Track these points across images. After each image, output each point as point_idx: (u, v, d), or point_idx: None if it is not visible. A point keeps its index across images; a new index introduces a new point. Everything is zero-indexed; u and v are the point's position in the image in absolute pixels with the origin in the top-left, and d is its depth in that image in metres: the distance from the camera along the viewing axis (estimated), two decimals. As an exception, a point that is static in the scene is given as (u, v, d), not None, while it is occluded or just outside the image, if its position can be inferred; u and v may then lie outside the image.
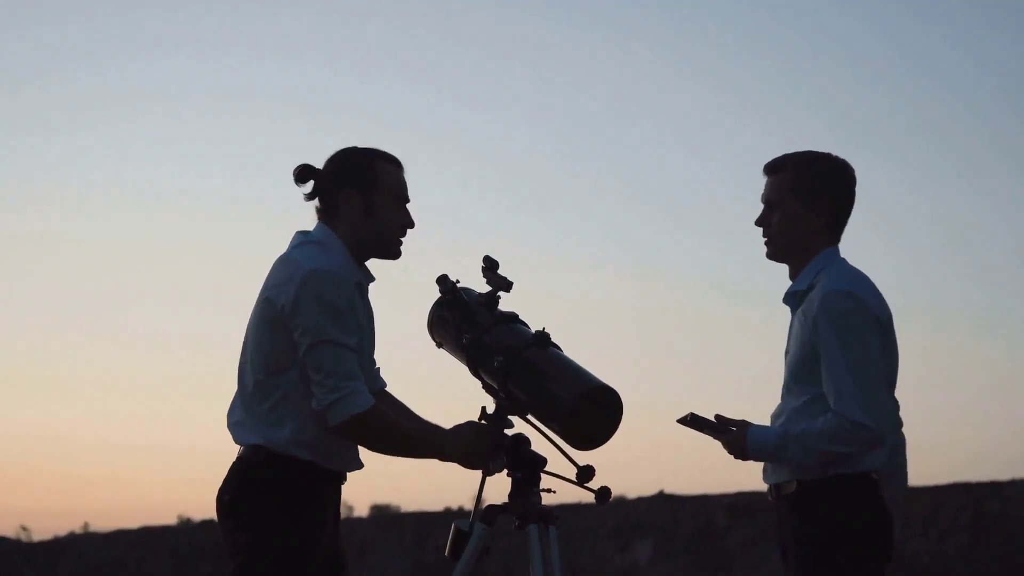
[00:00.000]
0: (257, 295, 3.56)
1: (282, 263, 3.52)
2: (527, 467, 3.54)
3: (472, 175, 19.61)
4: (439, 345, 3.74)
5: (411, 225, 3.62)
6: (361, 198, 3.55)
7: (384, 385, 3.75)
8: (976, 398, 17.82)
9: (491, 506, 3.55)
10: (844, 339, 3.31)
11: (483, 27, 19.51)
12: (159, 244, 20.37)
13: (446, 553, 3.56)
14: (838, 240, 3.52)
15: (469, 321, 3.61)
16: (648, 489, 14.35)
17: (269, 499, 3.46)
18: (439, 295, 3.68)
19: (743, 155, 19.29)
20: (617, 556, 13.71)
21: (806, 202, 3.45)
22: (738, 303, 19.80)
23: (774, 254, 3.53)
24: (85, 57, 19.59)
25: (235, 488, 3.50)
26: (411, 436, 3.55)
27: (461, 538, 3.54)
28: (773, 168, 3.52)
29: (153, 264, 20.43)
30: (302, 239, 3.58)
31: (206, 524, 13.99)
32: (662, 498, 14.15)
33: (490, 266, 3.63)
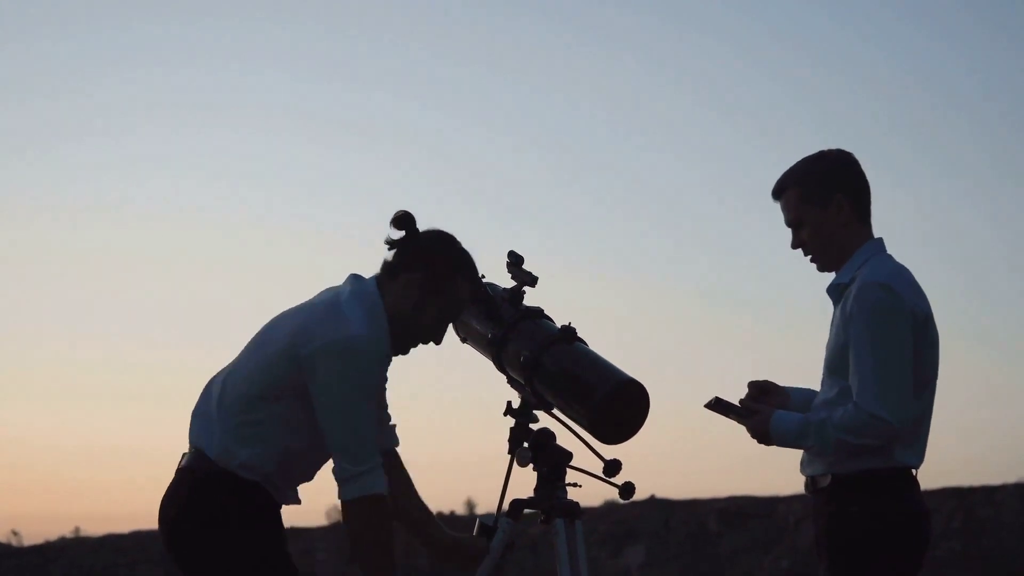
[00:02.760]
0: (280, 314, 3.44)
1: (327, 310, 3.33)
2: (553, 462, 3.53)
3: (493, 180, 19.57)
4: (464, 340, 3.73)
5: (438, 343, 3.50)
6: (419, 292, 3.42)
7: (397, 444, 3.64)
8: (968, 403, 17.86)
9: (516, 501, 3.55)
10: (873, 331, 3.31)
11: (489, 42, 19.53)
12: (152, 251, 20.25)
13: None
14: (868, 224, 3.52)
15: (494, 316, 3.60)
16: (639, 493, 14.30)
17: (227, 515, 3.31)
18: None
19: (741, 163, 19.33)
20: (609, 562, 13.71)
21: (822, 205, 3.47)
22: (730, 310, 19.84)
23: (824, 266, 3.54)
24: (88, 69, 19.52)
25: (186, 503, 3.35)
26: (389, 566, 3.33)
27: (486, 533, 3.54)
28: (779, 192, 3.55)
29: (144, 271, 20.32)
30: (352, 293, 3.39)
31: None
32: (654, 503, 14.14)
33: (515, 261, 3.63)
